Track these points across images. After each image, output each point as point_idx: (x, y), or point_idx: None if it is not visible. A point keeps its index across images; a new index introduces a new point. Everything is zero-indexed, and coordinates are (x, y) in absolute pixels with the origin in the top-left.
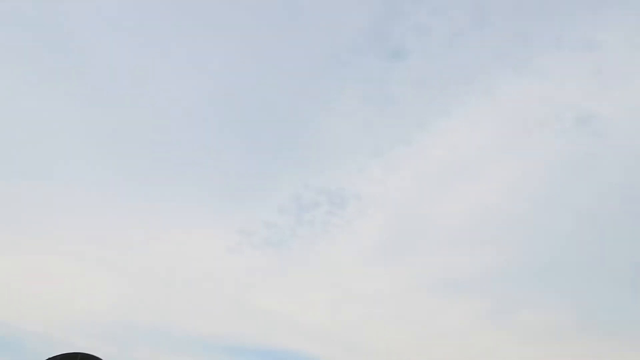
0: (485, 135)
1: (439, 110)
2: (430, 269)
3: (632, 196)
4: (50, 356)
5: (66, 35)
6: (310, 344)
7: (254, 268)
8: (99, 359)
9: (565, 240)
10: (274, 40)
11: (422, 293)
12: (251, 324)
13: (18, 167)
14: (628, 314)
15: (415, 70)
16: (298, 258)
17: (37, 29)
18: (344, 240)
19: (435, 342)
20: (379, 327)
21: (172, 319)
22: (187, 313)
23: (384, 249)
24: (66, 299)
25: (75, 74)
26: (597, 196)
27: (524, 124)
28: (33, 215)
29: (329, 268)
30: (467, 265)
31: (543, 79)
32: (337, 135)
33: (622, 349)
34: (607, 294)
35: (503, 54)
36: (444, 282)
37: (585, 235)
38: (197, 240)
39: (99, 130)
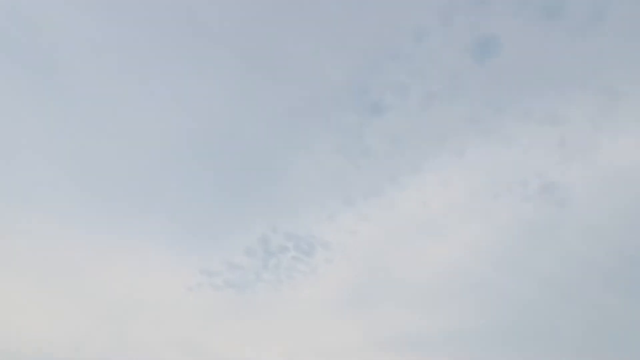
0: (455, 195)
1: (411, 166)
2: (394, 324)
3: (591, 264)
4: None
5: (46, 60)
6: None
7: (213, 310)
8: None
9: (526, 304)
10: (257, 83)
11: (380, 348)
12: None
13: None
14: None
15: (390, 126)
16: (260, 303)
17: (20, 55)
18: (308, 288)
19: None
20: None
21: (121, 356)
22: (137, 351)
23: (347, 300)
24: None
25: (53, 96)
26: (558, 263)
27: (492, 187)
28: None
29: (290, 316)
30: (428, 324)
31: (511, 146)
32: (311, 182)
33: None
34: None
35: (475, 119)
36: (403, 339)
37: (545, 300)
38: (156, 277)
39: (65, 156)
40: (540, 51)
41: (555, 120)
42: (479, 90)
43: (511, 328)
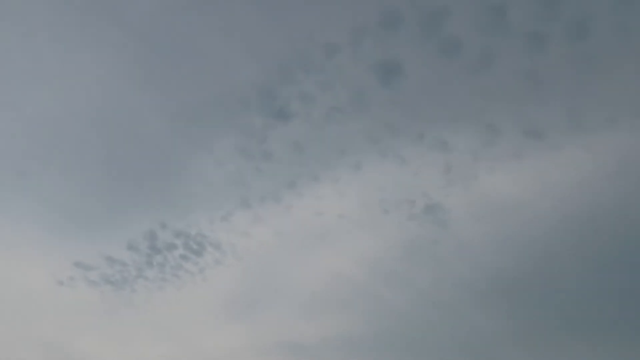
0: (348, 207)
1: (310, 174)
2: (279, 330)
3: (464, 282)
4: None
5: None
6: None
7: (86, 308)
8: None
9: (405, 315)
10: (163, 75)
11: (265, 355)
12: None
13: None
14: None
15: (294, 133)
16: (141, 302)
17: None
18: (194, 289)
19: None
20: None
21: None
22: None
23: (234, 303)
24: None
25: None
26: (436, 279)
27: (383, 203)
28: None
29: (173, 317)
30: (314, 330)
31: (403, 166)
32: (208, 181)
33: None
34: None
35: (373, 137)
36: (289, 344)
37: (421, 313)
38: (21, 267)
39: None
40: (437, 82)
41: (444, 148)
42: (380, 110)
43: (391, 337)
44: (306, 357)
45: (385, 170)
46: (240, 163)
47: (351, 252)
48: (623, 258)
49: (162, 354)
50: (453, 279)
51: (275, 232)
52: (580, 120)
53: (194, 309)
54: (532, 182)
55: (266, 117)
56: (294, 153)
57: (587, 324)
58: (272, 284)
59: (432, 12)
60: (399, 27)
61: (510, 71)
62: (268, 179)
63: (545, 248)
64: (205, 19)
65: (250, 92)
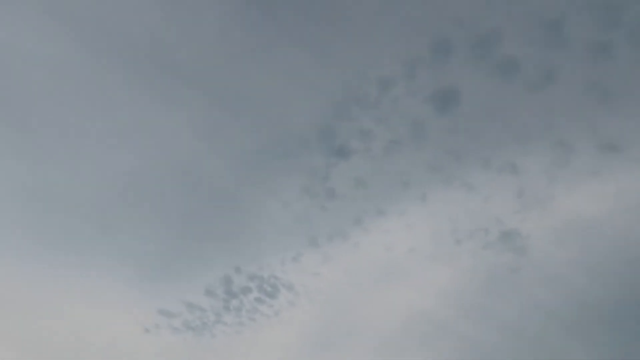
0: (418, 240)
1: (375, 209)
2: None
3: (550, 311)
4: None
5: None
6: None
7: (170, 353)
8: None
9: (488, 350)
10: (225, 123)
11: None
12: None
13: None
14: None
15: (355, 169)
16: (220, 345)
17: None
18: (270, 331)
19: None
20: None
21: None
22: None
23: (309, 344)
24: None
25: (4, 122)
26: (518, 309)
27: (454, 233)
28: None
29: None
30: None
31: (472, 194)
32: (276, 223)
33: None
34: None
35: (436, 166)
36: None
37: (506, 346)
38: (110, 317)
39: (12, 188)
40: (498, 104)
41: (514, 170)
42: (440, 138)
43: None
44: None
45: (453, 199)
46: (306, 203)
47: (426, 287)
48: None
49: None
50: (539, 309)
51: (345, 270)
52: None
53: (271, 351)
54: (614, 199)
55: (327, 155)
56: (358, 189)
57: None
58: (346, 323)
59: (483, 34)
60: (451, 53)
61: (575, 84)
62: (334, 217)
63: (634, 269)
64: (261, 66)
65: (309, 133)
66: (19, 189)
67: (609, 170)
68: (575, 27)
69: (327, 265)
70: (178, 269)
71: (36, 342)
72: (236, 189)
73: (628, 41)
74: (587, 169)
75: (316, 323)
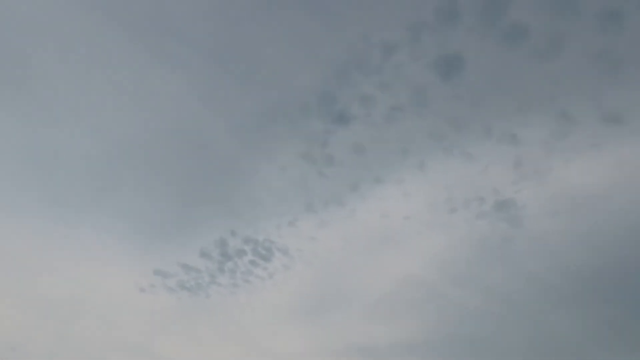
0: (414, 207)
1: (373, 177)
2: (349, 333)
3: (538, 280)
4: None
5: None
6: None
7: (165, 313)
8: None
9: (478, 316)
10: (225, 86)
11: (336, 357)
12: None
13: None
14: None
15: (355, 135)
16: (214, 306)
17: None
18: (264, 293)
19: None
20: None
21: (63, 358)
22: (81, 353)
23: (303, 307)
24: None
25: (8, 84)
26: (508, 277)
27: (450, 202)
28: None
29: (245, 320)
30: (382, 334)
31: (470, 163)
32: (273, 187)
33: None
34: None
35: (437, 134)
36: (357, 348)
37: (494, 312)
38: (107, 276)
39: (15, 146)
40: (503, 73)
41: (513, 141)
42: (442, 106)
43: (463, 339)
44: None
45: (451, 168)
46: (304, 168)
47: (419, 254)
48: None
49: (234, 355)
50: (527, 278)
51: (341, 236)
52: None
53: (264, 313)
54: (612, 173)
55: (326, 121)
56: (356, 156)
57: None
58: (340, 287)
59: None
60: (457, 19)
61: (583, 54)
62: (331, 183)
63: (628, 243)
64: (262, 29)
65: (310, 97)
66: (18, 147)
67: (610, 142)
68: None
69: (322, 231)
70: (175, 230)
71: (33, 298)
72: (234, 153)
73: (639, 10)
74: (586, 141)
75: (309, 286)
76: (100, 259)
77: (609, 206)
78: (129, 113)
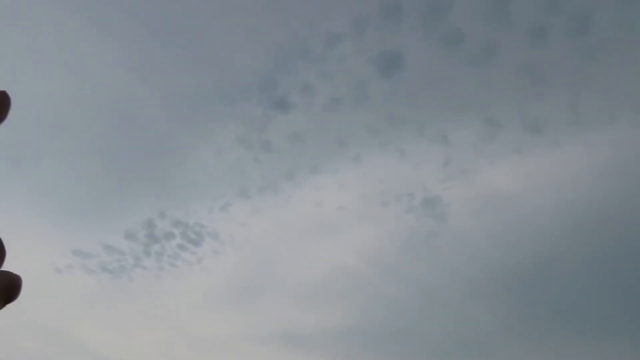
0: (347, 199)
1: (309, 166)
2: (276, 320)
3: (459, 275)
4: None
5: None
6: None
7: (83, 295)
8: None
9: (402, 307)
10: (164, 61)
11: (262, 343)
12: None
13: None
14: None
15: (294, 123)
16: (137, 290)
17: None
18: (192, 278)
19: None
20: None
21: None
22: None
23: (232, 293)
24: None
25: None
26: (432, 272)
27: (382, 195)
28: None
29: (170, 306)
30: (311, 321)
31: (403, 159)
32: (207, 170)
33: None
34: None
35: (374, 129)
36: (286, 334)
37: (418, 305)
38: (18, 252)
39: None
40: (439, 75)
41: (444, 141)
42: (380, 102)
43: (388, 328)
44: (303, 347)
45: (385, 163)
46: (240, 152)
47: (350, 244)
48: (623, 254)
49: (158, 341)
50: (451, 273)
51: (274, 223)
52: (580, 115)
53: (192, 298)
54: (531, 177)
55: (266, 106)
56: (294, 144)
57: (585, 321)
58: (270, 274)
59: (435, 3)
60: (401, 17)
61: (511, 65)
62: (267, 170)
63: (544, 243)
64: (205, 7)
65: (250, 80)
66: None
67: (531, 150)
68: (521, 8)
69: (255, 217)
70: (98, 208)
71: None
72: (168, 130)
73: (566, 29)
74: (510, 147)
75: (239, 272)
76: (11, 234)
77: (522, 208)
78: (51, 78)
